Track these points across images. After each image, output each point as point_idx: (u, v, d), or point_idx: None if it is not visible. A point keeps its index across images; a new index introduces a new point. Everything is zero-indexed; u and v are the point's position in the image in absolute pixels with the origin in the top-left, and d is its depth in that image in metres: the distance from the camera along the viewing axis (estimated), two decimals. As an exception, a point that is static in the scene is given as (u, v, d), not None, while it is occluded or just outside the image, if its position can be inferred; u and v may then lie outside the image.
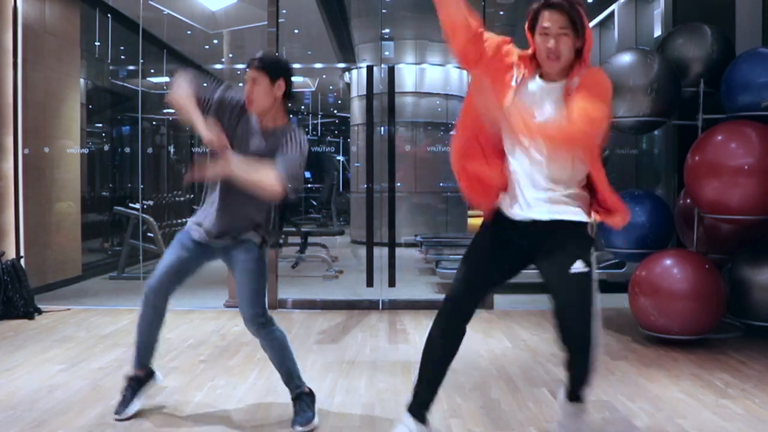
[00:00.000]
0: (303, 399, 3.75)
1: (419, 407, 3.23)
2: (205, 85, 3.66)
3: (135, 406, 3.79)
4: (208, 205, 3.76)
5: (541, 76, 3.02)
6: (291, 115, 3.76)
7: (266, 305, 3.75)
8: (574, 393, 3.23)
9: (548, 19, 2.91)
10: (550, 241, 3.02)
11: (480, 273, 3.22)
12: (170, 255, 3.80)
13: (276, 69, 3.61)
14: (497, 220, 3.16)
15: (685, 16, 7.09)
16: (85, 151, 9.26)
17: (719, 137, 5.35)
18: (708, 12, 6.75)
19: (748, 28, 6.37)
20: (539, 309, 6.75)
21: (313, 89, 14.34)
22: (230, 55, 12.96)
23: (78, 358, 5.00)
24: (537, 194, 3.01)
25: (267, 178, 3.38)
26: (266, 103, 3.61)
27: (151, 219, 9.21)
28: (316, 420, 3.71)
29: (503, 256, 3.19)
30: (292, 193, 3.48)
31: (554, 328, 3.07)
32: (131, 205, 9.35)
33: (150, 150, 11.02)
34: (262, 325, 3.71)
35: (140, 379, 3.84)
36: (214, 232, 3.70)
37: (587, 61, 2.96)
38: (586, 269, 3.00)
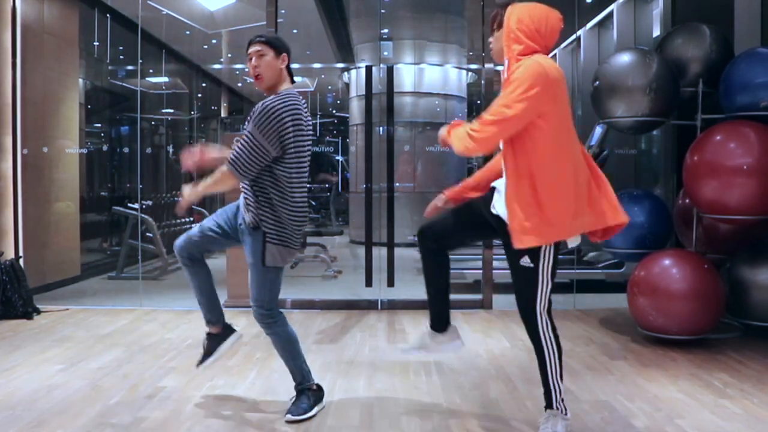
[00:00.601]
0: (304, 393, 3.83)
1: (438, 321, 3.75)
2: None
3: (209, 359, 4.02)
4: None
5: None
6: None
7: (271, 300, 3.76)
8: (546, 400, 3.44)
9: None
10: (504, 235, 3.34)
11: (460, 215, 3.62)
12: (207, 222, 3.93)
13: (279, 43, 3.74)
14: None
15: (684, 16, 7.10)
16: (84, 151, 9.25)
17: (718, 137, 5.35)
18: (707, 12, 6.76)
19: (747, 29, 6.37)
20: (538, 309, 6.76)
21: (312, 89, 14.34)
22: (229, 55, 12.96)
23: (77, 358, 5.00)
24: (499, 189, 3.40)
25: (221, 175, 3.58)
26: (273, 76, 3.70)
27: (150, 219, 9.21)
28: (310, 414, 3.77)
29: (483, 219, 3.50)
30: (242, 174, 3.53)
31: None
32: (130, 205, 9.34)
33: (149, 150, 11.01)
34: (264, 321, 3.78)
35: (213, 335, 4.03)
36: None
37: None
38: (530, 265, 3.28)
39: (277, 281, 3.77)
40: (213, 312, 4.00)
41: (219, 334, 4.02)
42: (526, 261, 3.28)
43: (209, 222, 3.88)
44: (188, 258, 3.89)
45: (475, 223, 3.55)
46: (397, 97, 8.74)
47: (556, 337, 3.34)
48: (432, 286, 3.71)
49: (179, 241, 3.89)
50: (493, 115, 3.14)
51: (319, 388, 3.92)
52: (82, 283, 8.57)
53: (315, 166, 13.96)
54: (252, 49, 3.69)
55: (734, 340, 5.50)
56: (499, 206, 3.34)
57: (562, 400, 3.37)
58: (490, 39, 3.46)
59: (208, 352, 4.01)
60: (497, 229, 3.38)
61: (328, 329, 6.04)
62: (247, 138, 3.50)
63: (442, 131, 3.48)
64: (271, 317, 3.77)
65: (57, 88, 8.14)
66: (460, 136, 3.27)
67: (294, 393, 3.87)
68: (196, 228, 3.90)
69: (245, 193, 3.70)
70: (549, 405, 3.39)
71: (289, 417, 3.71)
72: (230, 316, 5.81)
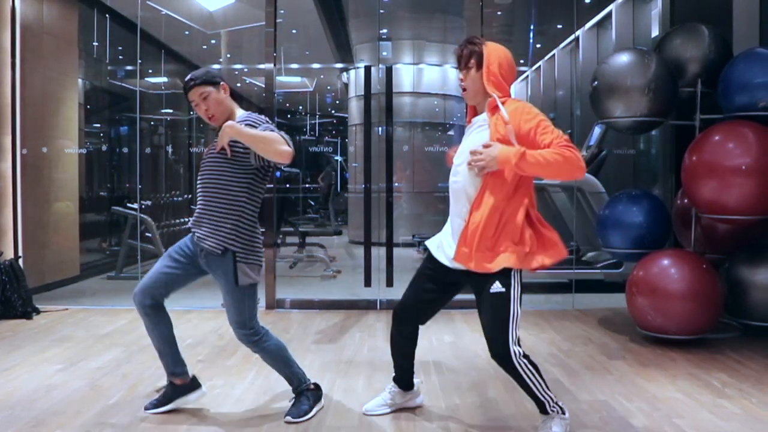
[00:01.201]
0: (304, 394, 3.83)
1: (406, 383, 3.87)
2: None
3: (163, 408, 3.85)
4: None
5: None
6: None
7: (251, 318, 3.69)
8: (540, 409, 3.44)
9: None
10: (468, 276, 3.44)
11: (425, 288, 3.69)
12: (162, 262, 3.78)
13: (212, 76, 3.64)
14: None
15: (683, 17, 7.10)
16: (84, 151, 9.25)
17: (716, 137, 5.35)
18: (705, 12, 6.76)
19: (746, 29, 6.37)
20: (536, 309, 6.77)
21: (311, 89, 14.35)
22: (228, 56, 12.95)
23: (76, 358, 5.00)
24: None
25: (270, 136, 3.41)
26: (224, 109, 3.64)
27: (149, 219, 9.22)
28: (310, 414, 3.77)
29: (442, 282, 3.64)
30: (289, 154, 3.42)
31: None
32: (129, 205, 9.35)
33: (148, 150, 11.01)
34: (249, 341, 3.73)
35: (177, 386, 3.87)
36: (195, 239, 3.69)
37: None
38: (502, 289, 3.25)
39: (254, 298, 3.69)
40: (178, 363, 3.85)
41: (184, 385, 3.87)
42: (497, 287, 3.24)
43: (163, 261, 3.74)
44: (150, 306, 3.74)
45: (439, 288, 3.58)
46: (396, 98, 8.72)
47: (531, 361, 3.28)
48: (402, 358, 3.82)
49: (138, 289, 3.73)
50: (566, 139, 3.12)
51: (317, 387, 3.92)
52: (82, 283, 8.57)
53: (315, 167, 14.02)
54: (193, 95, 3.59)
55: (733, 340, 5.51)
56: (451, 252, 3.38)
57: (557, 404, 3.37)
58: (462, 77, 3.39)
59: (166, 401, 3.85)
60: (458, 278, 3.46)
61: (327, 329, 6.05)
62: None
63: (496, 153, 3.16)
64: (256, 335, 3.71)
65: (56, 88, 8.14)
66: (559, 160, 3.07)
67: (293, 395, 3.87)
68: (151, 273, 3.74)
69: (209, 216, 3.59)
70: (544, 412, 3.40)
71: (289, 419, 3.69)
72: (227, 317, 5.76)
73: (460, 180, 3.33)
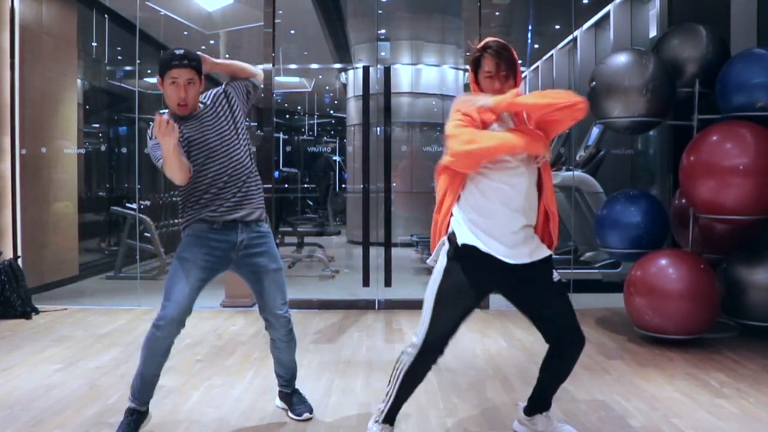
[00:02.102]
0: (298, 392, 3.90)
1: (393, 416, 3.36)
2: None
3: None
4: None
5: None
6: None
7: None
8: (551, 398, 3.44)
9: (489, 63, 3.14)
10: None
11: (458, 311, 3.26)
12: (191, 280, 3.54)
13: (200, 65, 3.53)
14: None
15: (681, 17, 7.11)
16: (82, 151, 9.25)
17: (714, 137, 5.37)
18: (703, 13, 6.78)
19: (743, 29, 6.39)
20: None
21: (310, 90, 14.34)
22: (227, 56, 12.96)
23: (75, 358, 5.01)
24: None
25: (249, 68, 3.68)
26: (195, 104, 3.52)
27: (148, 219, 9.23)
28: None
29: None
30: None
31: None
32: (128, 205, 9.36)
33: (147, 150, 11.01)
34: (290, 323, 3.76)
35: (142, 413, 3.58)
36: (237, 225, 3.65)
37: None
38: (559, 278, 3.24)
39: None
40: (152, 392, 3.58)
41: (144, 413, 3.57)
42: (556, 275, 3.19)
43: (195, 275, 3.44)
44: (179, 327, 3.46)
45: (479, 298, 3.22)
46: (394, 98, 8.72)
47: None
48: (410, 390, 3.29)
49: (175, 315, 3.36)
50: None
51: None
52: (81, 283, 8.58)
53: (313, 167, 14.02)
54: (180, 74, 3.40)
55: (731, 340, 5.52)
56: (512, 250, 3.08)
57: None
58: (500, 86, 3.13)
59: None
60: (508, 278, 3.16)
61: (325, 329, 6.06)
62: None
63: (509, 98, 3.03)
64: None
65: (55, 89, 8.15)
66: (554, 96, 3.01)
67: (285, 396, 3.92)
68: (183, 293, 3.39)
69: (244, 194, 3.50)
70: (548, 407, 3.43)
71: (308, 416, 3.78)
72: (227, 316, 5.82)
73: (524, 179, 3.08)
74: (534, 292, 3.20)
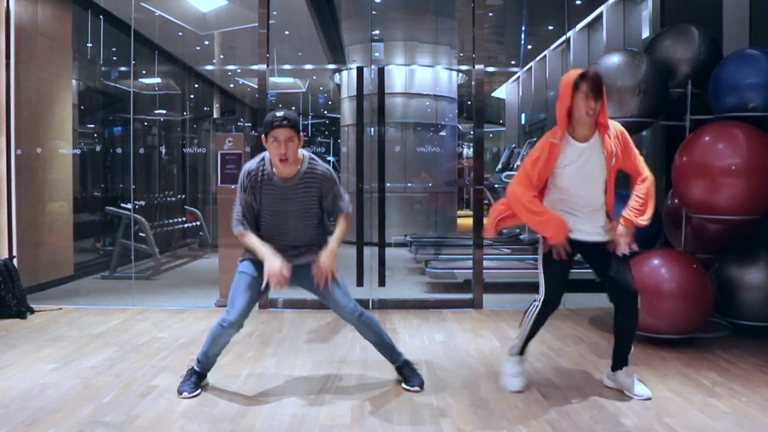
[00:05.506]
0: (408, 365, 4.39)
1: (523, 349, 4.39)
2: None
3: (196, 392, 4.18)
4: None
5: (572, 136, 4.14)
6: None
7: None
8: (626, 354, 4.21)
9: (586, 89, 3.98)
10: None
11: (564, 271, 4.35)
12: (250, 292, 4.20)
13: (299, 124, 3.96)
14: None
15: (673, 18, 7.13)
16: (78, 151, 9.25)
17: (707, 138, 5.39)
18: (696, 13, 6.80)
19: (736, 30, 6.41)
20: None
21: (304, 90, 14.35)
22: (221, 57, 12.97)
23: (70, 357, 5.01)
24: None
25: (344, 226, 4.17)
26: (296, 159, 3.96)
27: (143, 219, 9.23)
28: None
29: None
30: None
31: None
32: (123, 205, 9.36)
33: (141, 150, 11.03)
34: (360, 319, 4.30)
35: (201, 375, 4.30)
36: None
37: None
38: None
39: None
40: (213, 364, 4.34)
41: (204, 376, 4.35)
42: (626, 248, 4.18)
43: (251, 288, 4.10)
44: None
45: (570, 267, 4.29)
46: (388, 98, 8.77)
47: None
48: (536, 330, 4.31)
49: (235, 319, 4.06)
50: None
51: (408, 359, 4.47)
52: (76, 283, 8.57)
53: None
54: (281, 133, 3.86)
55: (723, 340, 5.54)
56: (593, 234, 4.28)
57: None
58: (593, 107, 4.06)
59: (193, 385, 4.26)
60: (593, 250, 4.29)
61: (319, 328, 6.07)
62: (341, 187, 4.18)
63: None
64: (359, 310, 4.33)
65: (50, 89, 8.15)
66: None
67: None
68: (243, 302, 4.05)
69: (307, 245, 4.17)
70: (626, 363, 4.19)
71: (418, 389, 4.24)
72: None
73: (593, 184, 4.40)
74: (603, 257, 4.21)
